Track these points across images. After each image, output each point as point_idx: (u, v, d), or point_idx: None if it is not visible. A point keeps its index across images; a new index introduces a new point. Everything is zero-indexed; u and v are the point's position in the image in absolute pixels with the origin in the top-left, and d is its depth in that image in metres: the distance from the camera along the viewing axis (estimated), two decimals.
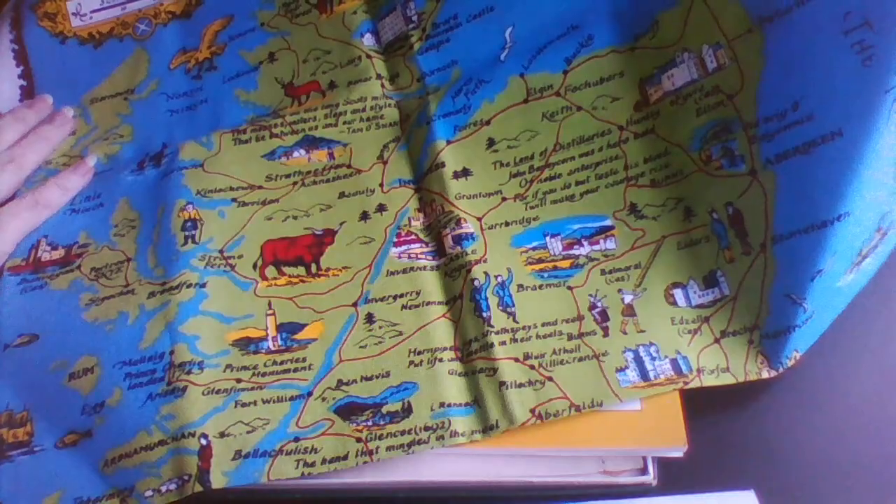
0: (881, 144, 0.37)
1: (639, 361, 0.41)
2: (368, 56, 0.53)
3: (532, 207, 0.46)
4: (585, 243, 0.45)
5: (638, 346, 0.41)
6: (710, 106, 0.44)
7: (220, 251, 0.47)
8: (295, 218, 0.48)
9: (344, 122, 0.51)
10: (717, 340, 0.41)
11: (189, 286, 0.45)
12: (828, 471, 0.42)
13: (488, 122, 0.48)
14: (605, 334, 0.42)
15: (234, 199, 0.49)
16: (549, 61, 0.48)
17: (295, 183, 0.49)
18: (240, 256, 0.47)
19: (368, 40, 0.53)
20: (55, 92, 0.56)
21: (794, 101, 0.40)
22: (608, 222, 0.45)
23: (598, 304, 0.43)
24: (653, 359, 0.41)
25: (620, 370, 0.40)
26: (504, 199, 0.47)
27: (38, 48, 0.57)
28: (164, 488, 0.39)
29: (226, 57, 0.55)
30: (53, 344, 0.45)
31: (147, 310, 0.45)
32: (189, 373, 0.42)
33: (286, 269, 0.46)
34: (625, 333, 0.42)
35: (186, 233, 0.47)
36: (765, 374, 0.40)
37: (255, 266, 0.46)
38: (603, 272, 0.44)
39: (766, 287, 0.41)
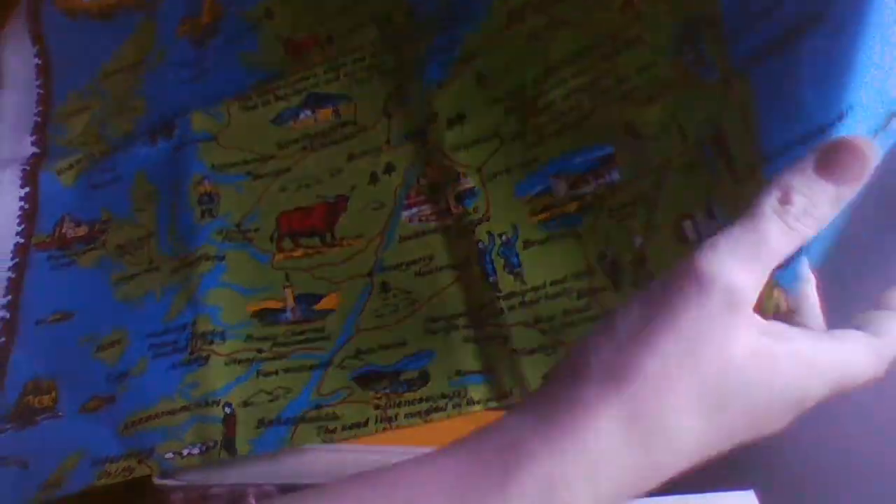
0: (881, 19, 0.27)
1: None
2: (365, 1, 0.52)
3: (532, 145, 0.43)
4: (591, 179, 0.41)
5: None
6: (678, 7, 0.36)
7: (237, 225, 0.47)
8: (308, 186, 0.48)
9: (345, 75, 0.50)
10: None
11: (208, 259, 0.46)
12: (828, 470, 0.41)
13: (476, 56, 0.45)
14: (616, 288, 0.39)
15: (249, 173, 0.49)
16: None
17: (304, 148, 0.49)
18: (256, 230, 0.47)
19: None
20: (70, 68, 0.57)
21: None
22: (610, 150, 0.40)
23: (608, 253, 0.39)
24: None
25: None
26: (502, 140, 0.44)
27: (52, 26, 0.58)
28: (185, 452, 0.40)
29: (226, 20, 0.55)
30: (86, 321, 0.46)
31: (171, 285, 0.46)
32: (211, 343, 0.43)
33: (302, 241, 0.47)
34: (636, 286, 0.38)
35: (203, 207, 0.48)
36: (783, 307, 0.32)
37: (271, 238, 0.47)
38: (611, 211, 0.40)
39: None
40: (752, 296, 0.25)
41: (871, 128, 0.28)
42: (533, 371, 0.40)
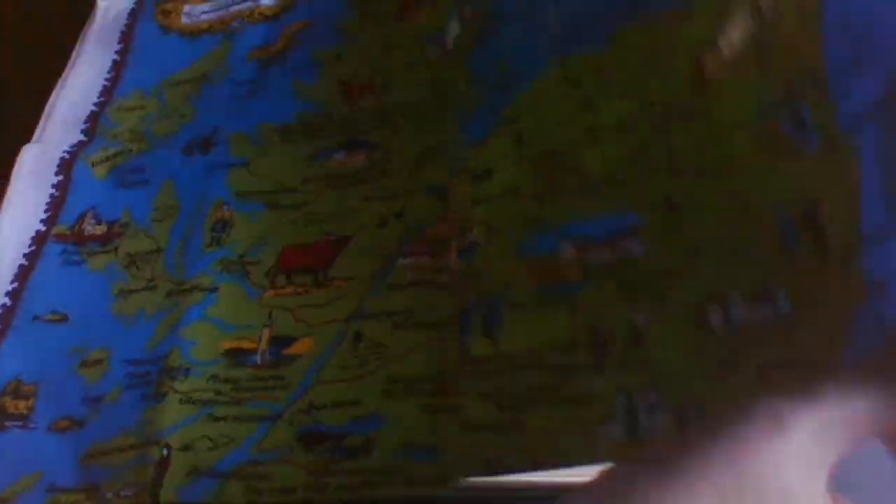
0: None
1: (631, 411, 0.30)
2: (427, 61, 0.50)
3: (550, 205, 0.37)
4: (606, 247, 0.34)
5: (636, 388, 0.30)
6: (776, 67, 0.30)
7: (241, 256, 0.45)
8: (317, 222, 0.45)
9: (388, 123, 0.48)
10: None
11: (202, 289, 0.43)
12: None
13: (520, 118, 0.41)
14: (598, 368, 0.31)
15: (267, 204, 0.47)
16: (591, 33, 0.39)
17: (328, 185, 0.47)
18: (257, 262, 0.45)
19: (430, 52, 0.51)
20: (140, 71, 0.57)
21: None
22: (636, 219, 0.33)
23: (601, 328, 0.32)
24: (651, 408, 0.30)
25: (606, 420, 0.30)
26: (521, 196, 0.39)
27: (143, 34, 0.59)
28: (122, 493, 0.38)
29: (296, 50, 0.55)
30: (80, 329, 0.45)
31: (162, 309, 0.44)
32: (174, 379, 0.40)
33: (296, 278, 0.43)
34: (623, 368, 0.31)
35: (214, 234, 0.46)
36: None
37: (267, 273, 0.44)
38: (620, 284, 0.33)
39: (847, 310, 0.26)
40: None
41: None
42: (478, 452, 0.33)
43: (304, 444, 0.38)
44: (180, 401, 0.40)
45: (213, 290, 0.43)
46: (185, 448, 0.38)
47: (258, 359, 0.41)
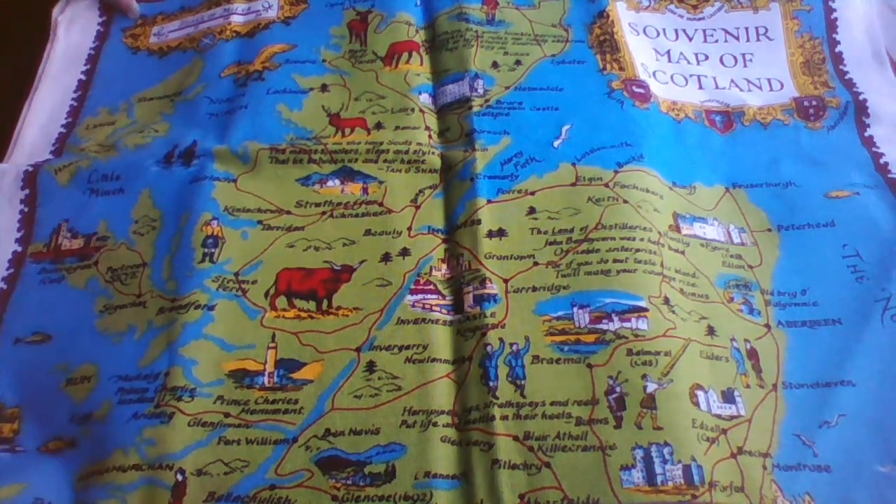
0: (876, 340, 0.43)
1: (648, 462, 0.36)
2: (422, 111, 0.51)
3: (564, 276, 0.43)
4: (615, 318, 0.41)
5: (651, 444, 0.37)
6: (734, 264, 0.46)
7: (236, 274, 0.44)
8: (316, 249, 0.45)
9: (384, 161, 0.49)
10: (734, 455, 0.38)
11: (197, 307, 0.42)
12: None
13: (532, 193, 0.47)
14: (618, 425, 0.38)
15: (259, 221, 0.46)
16: (601, 159, 0.48)
17: (324, 213, 0.47)
18: (254, 282, 0.44)
19: (425, 99, 0.52)
20: (107, 89, 0.56)
21: (802, 288, 0.45)
22: (642, 303, 0.41)
23: (617, 389, 0.39)
24: (664, 461, 0.36)
25: (625, 468, 0.36)
26: (536, 263, 0.44)
27: (111, 54, 0.58)
28: None
29: (278, 74, 0.54)
30: (63, 347, 0.43)
31: (154, 326, 0.42)
32: (179, 399, 0.39)
33: (297, 302, 0.43)
34: (639, 428, 0.37)
35: (206, 250, 0.45)
36: None
37: (266, 294, 0.44)
38: (630, 352, 0.40)
39: (777, 421, 0.40)
40: None
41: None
42: (510, 488, 0.36)
43: (323, 469, 0.38)
44: (189, 423, 0.38)
45: (210, 307, 0.42)
46: (200, 473, 0.37)
47: (265, 380, 0.41)
